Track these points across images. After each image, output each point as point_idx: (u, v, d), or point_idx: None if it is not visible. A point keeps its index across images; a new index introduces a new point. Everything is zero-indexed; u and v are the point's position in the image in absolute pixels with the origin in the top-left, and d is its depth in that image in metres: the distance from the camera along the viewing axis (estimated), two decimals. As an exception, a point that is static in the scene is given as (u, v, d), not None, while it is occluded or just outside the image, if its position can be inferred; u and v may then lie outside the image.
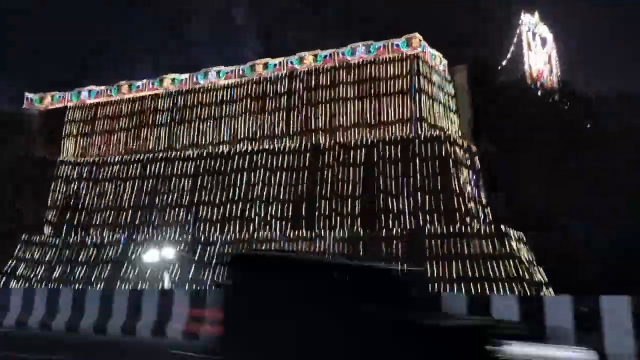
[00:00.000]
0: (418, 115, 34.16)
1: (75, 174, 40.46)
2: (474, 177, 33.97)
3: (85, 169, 40.42)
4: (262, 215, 34.66)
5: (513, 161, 32.31)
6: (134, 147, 40.69)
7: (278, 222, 34.28)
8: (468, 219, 31.46)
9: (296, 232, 33.14)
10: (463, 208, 31.60)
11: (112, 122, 42.09)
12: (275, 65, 39.39)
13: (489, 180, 33.31)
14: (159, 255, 29.74)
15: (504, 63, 41.71)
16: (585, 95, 36.89)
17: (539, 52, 43.80)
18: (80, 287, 31.96)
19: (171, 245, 32.95)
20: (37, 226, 38.88)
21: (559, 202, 29.45)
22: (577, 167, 29.93)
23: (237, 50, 67.60)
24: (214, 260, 33.21)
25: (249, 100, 38.76)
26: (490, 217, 32.38)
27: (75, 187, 39.96)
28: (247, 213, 35.09)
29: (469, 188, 33.14)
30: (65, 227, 38.78)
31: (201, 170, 37.45)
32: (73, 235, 38.23)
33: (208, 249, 33.94)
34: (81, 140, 42.41)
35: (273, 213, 34.58)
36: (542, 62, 43.69)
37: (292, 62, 38.99)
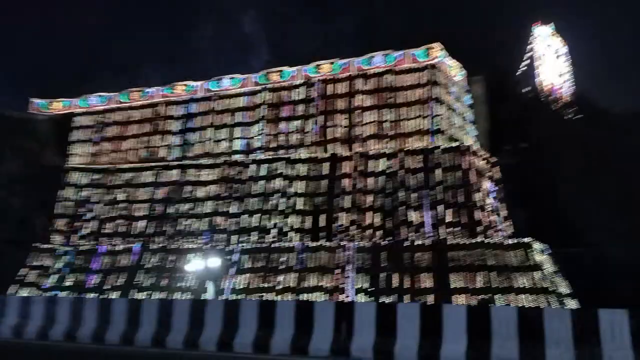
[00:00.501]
0: (436, 126, 33.88)
1: (84, 181, 39.70)
2: (495, 188, 33.72)
3: (95, 177, 39.66)
4: (280, 225, 34.23)
5: (535, 174, 32.08)
6: (145, 154, 40.02)
7: (295, 232, 33.84)
8: (490, 231, 31.15)
9: (315, 243, 32.66)
10: (484, 219, 31.31)
11: (122, 130, 41.42)
12: (291, 73, 38.92)
13: (509, 192, 33.01)
14: (203, 264, 29.05)
15: (518, 74, 41.65)
16: (602, 108, 36.80)
17: (552, 65, 43.79)
18: (99, 296, 31.23)
19: (189, 256, 32.39)
20: (46, 234, 38.01)
21: (583, 217, 29.18)
22: (601, 181, 29.72)
23: (246, 58, 67.32)
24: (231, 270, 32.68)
25: (264, 109, 38.30)
26: (512, 228, 32.07)
27: (85, 195, 39.18)
28: (264, 222, 34.66)
29: (489, 199, 32.89)
30: (75, 235, 38.00)
31: (216, 179, 36.90)
32: (83, 243, 37.43)
33: (223, 259, 33.24)
34: (90, 147, 41.64)
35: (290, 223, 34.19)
36: (556, 75, 43.68)
37: (307, 71, 38.56)
